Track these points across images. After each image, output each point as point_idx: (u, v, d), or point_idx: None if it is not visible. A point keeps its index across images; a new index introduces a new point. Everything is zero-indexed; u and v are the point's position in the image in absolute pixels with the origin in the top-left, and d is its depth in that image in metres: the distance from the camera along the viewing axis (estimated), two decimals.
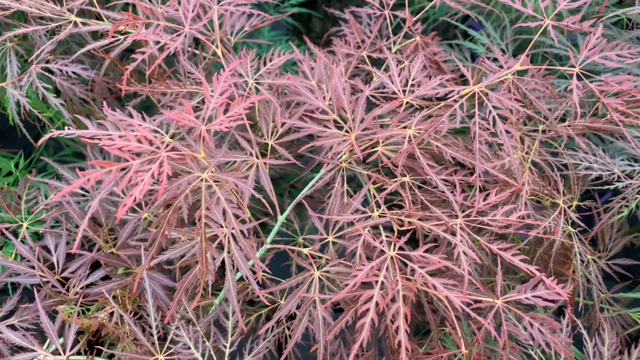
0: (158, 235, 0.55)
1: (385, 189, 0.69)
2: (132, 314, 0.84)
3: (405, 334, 0.53)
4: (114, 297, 0.87)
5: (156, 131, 0.59)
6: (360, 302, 0.57)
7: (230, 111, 0.56)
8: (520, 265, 0.60)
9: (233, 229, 0.55)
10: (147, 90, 0.74)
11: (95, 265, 0.90)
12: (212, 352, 0.69)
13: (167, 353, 0.72)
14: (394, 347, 0.53)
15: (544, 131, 0.86)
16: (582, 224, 0.80)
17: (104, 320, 0.80)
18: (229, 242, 0.58)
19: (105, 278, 0.88)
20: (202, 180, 0.55)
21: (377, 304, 0.56)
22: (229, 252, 0.62)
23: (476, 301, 0.59)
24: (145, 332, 0.75)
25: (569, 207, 0.82)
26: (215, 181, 0.56)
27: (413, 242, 0.73)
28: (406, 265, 0.60)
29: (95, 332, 0.84)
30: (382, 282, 0.58)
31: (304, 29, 1.56)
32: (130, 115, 0.61)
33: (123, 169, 0.52)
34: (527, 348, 0.71)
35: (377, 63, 1.04)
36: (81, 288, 0.86)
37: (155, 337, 0.74)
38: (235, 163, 0.69)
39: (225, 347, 0.70)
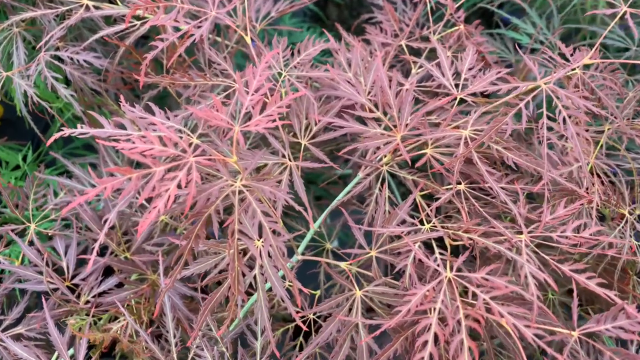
0: (185, 251, 0.48)
1: (435, 198, 0.61)
2: (147, 326, 0.78)
3: None
4: (127, 307, 0.81)
5: (180, 130, 0.51)
6: (416, 334, 0.49)
7: (268, 110, 0.48)
8: (597, 290, 0.52)
9: (270, 245, 0.47)
10: (166, 81, 0.66)
11: (108, 271, 0.83)
12: None
13: None
14: None
15: (594, 117, 0.77)
16: None
17: (118, 334, 0.73)
18: (261, 257, 0.51)
19: (120, 285, 0.81)
20: (234, 188, 0.47)
21: (435, 336, 0.48)
22: (261, 267, 0.55)
23: (548, 332, 0.51)
24: (163, 349, 0.69)
25: (633, 217, 0.74)
26: (248, 189, 0.48)
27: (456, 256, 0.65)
28: (465, 288, 0.52)
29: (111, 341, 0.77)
30: (440, 309, 0.50)
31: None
32: (151, 111, 0.54)
33: (145, 176, 0.44)
34: None
35: (416, 54, 0.96)
36: (93, 296, 0.79)
37: (174, 354, 0.67)
38: (267, 166, 0.62)
39: None
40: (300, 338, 0.77)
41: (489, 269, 0.52)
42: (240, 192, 0.47)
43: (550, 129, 0.58)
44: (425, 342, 0.48)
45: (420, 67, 0.82)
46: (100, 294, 0.80)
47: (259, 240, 0.48)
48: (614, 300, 0.52)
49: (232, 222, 0.47)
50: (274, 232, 0.48)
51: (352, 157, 0.70)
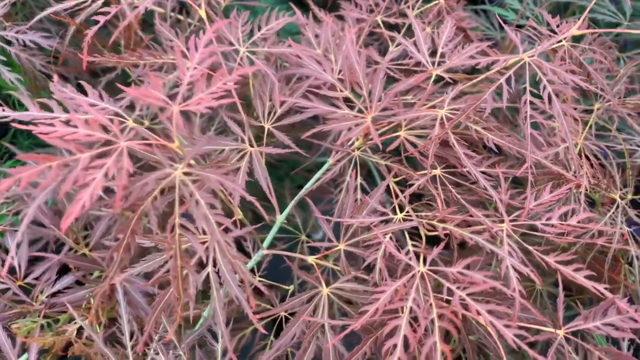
0: (119, 249, 0.42)
1: (409, 184, 0.55)
2: (106, 327, 0.72)
3: None
4: (86, 307, 0.75)
5: (119, 114, 0.45)
6: (384, 336, 0.44)
7: (213, 86, 0.42)
8: (585, 283, 0.47)
9: (217, 241, 0.41)
10: (114, 61, 0.60)
11: (66, 269, 0.77)
12: None
13: None
14: None
15: (584, 97, 0.72)
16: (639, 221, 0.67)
17: (72, 337, 0.67)
18: (215, 253, 0.45)
19: (81, 284, 0.76)
20: (174, 177, 0.42)
21: (405, 338, 0.43)
22: (215, 266, 0.49)
23: (532, 331, 0.46)
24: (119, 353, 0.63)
25: (625, 202, 0.69)
26: (193, 179, 0.42)
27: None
28: (439, 283, 0.47)
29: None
30: (411, 308, 0.45)
31: None
32: (85, 93, 0.47)
33: (67, 165, 0.38)
34: None
35: (395, 31, 0.90)
36: (47, 296, 0.74)
37: (131, 358, 0.62)
38: (224, 152, 0.56)
39: None
40: (272, 337, 0.72)
41: (465, 262, 0.47)
42: (185, 184, 0.41)
43: (535, 107, 0.52)
44: (394, 346, 0.42)
45: (399, 45, 0.76)
46: (56, 294, 0.74)
47: (216, 235, 0.43)
48: (603, 294, 0.47)
49: (173, 216, 0.41)
50: (223, 227, 0.42)
51: (323, 143, 0.64)
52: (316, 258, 0.58)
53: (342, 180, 0.61)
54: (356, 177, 0.61)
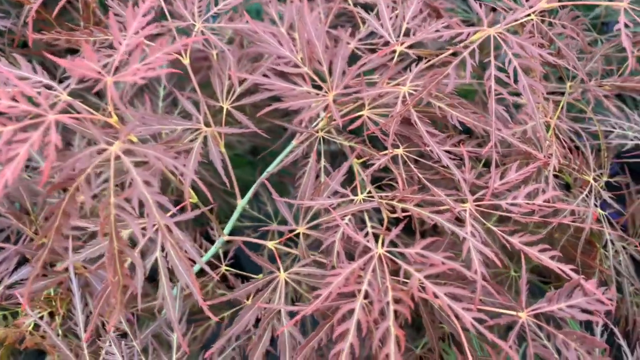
0: (49, 233, 0.39)
1: (369, 163, 0.53)
2: (64, 319, 0.69)
3: None
4: (47, 299, 0.72)
5: (51, 87, 0.42)
6: (335, 320, 0.42)
7: (151, 56, 0.39)
8: (551, 264, 0.45)
9: (155, 223, 0.39)
10: (63, 38, 0.57)
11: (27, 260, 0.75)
12: None
13: None
14: None
15: (559, 80, 0.69)
16: (616, 206, 0.65)
17: (27, 330, 0.64)
18: (163, 237, 0.42)
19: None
20: (109, 153, 0.39)
21: (358, 323, 0.40)
22: (162, 250, 0.47)
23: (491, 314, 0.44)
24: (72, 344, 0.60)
25: (599, 184, 0.67)
26: (132, 157, 0.40)
27: (410, 234, 0.57)
28: (399, 266, 0.45)
29: None
30: (367, 291, 0.42)
31: None
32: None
33: None
34: None
35: (368, 12, 0.87)
36: (4, 288, 0.71)
37: (86, 350, 0.59)
38: (176, 133, 0.53)
39: None
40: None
41: (425, 242, 0.45)
42: (118, 158, 0.39)
43: (504, 84, 0.50)
44: (346, 331, 0.40)
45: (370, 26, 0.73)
46: (14, 285, 0.71)
47: (154, 216, 0.40)
48: (569, 275, 0.45)
49: (108, 196, 0.39)
50: (172, 215, 0.39)
51: (288, 125, 0.62)
52: (276, 243, 0.55)
53: (305, 163, 0.59)
54: (318, 159, 0.58)
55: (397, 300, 0.42)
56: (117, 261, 0.40)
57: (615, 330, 0.60)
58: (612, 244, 0.68)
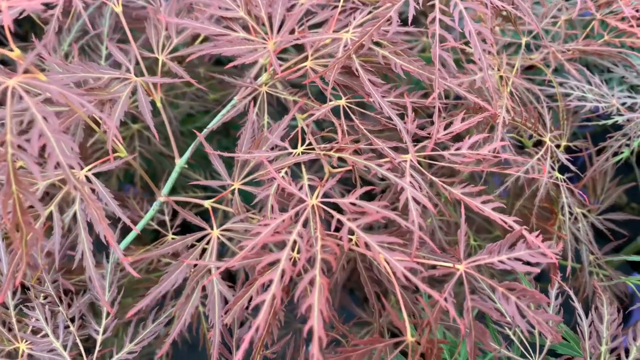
0: None
1: (309, 114, 0.50)
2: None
3: (320, 317, 0.35)
4: None
5: None
6: (257, 271, 0.39)
7: None
8: (493, 215, 0.43)
9: (57, 163, 0.35)
10: None
11: None
12: (78, 340, 0.50)
13: (27, 342, 0.54)
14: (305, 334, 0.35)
15: (526, 47, 0.67)
16: (573, 168, 0.63)
17: None
18: (67, 176, 0.39)
19: None
20: (7, 88, 0.35)
21: (283, 273, 0.38)
22: (82, 202, 0.43)
23: (430, 267, 0.42)
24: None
25: (557, 147, 0.65)
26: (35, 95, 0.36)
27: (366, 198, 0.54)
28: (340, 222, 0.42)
29: None
30: (295, 242, 0.39)
31: None
32: None
33: None
34: (505, 328, 0.55)
35: None
36: None
37: (13, 318, 0.55)
38: (102, 81, 0.49)
39: (97, 332, 0.51)
40: None
41: (361, 191, 0.42)
42: (15, 92, 0.35)
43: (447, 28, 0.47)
44: (270, 281, 0.37)
45: None
46: None
47: (55, 155, 0.36)
48: (512, 227, 0.43)
49: (4, 132, 0.35)
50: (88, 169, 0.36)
51: (228, 79, 0.58)
52: (213, 201, 0.52)
53: (247, 119, 0.56)
54: (262, 115, 0.55)
55: (325, 250, 0.39)
56: (20, 206, 0.36)
57: (571, 293, 0.58)
58: (570, 207, 0.66)
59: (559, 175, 0.65)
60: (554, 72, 0.70)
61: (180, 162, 0.57)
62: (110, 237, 0.39)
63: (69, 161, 0.36)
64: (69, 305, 0.54)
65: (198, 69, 0.76)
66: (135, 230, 0.51)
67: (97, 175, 0.46)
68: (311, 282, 0.37)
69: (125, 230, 0.55)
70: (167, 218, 0.70)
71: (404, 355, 0.42)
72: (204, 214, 0.55)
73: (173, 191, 0.82)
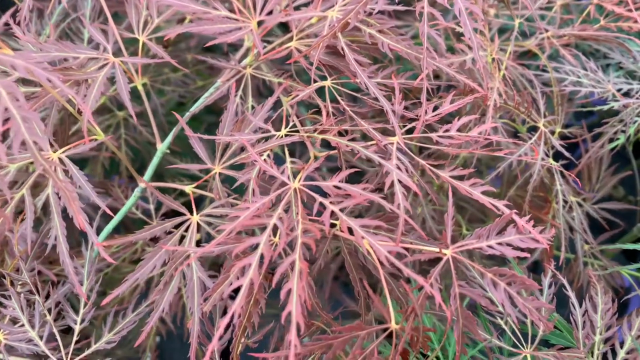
0: None
1: (294, 95, 0.48)
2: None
3: (299, 302, 0.33)
4: None
5: None
6: (234, 254, 0.37)
7: None
8: (482, 199, 0.41)
9: (23, 142, 0.34)
10: None
11: None
12: (54, 330, 0.49)
13: (5, 332, 0.52)
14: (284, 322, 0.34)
15: (522, 34, 0.65)
16: (567, 155, 0.62)
17: None
18: (32, 152, 0.37)
19: None
20: None
21: (262, 257, 0.36)
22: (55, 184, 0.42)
23: (416, 252, 0.40)
24: None
25: (552, 133, 0.63)
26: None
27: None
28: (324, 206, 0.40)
29: None
30: (276, 226, 0.38)
31: None
32: None
33: None
34: (497, 318, 0.53)
35: None
36: None
37: None
38: (78, 60, 0.48)
39: (75, 322, 0.50)
40: None
41: (345, 173, 0.40)
42: None
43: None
44: (249, 265, 0.36)
45: None
46: None
47: (21, 133, 0.34)
48: (502, 211, 0.41)
49: None
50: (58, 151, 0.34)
51: (212, 60, 0.56)
52: (193, 186, 0.51)
53: (230, 101, 0.54)
54: (247, 97, 0.53)
55: (305, 234, 0.37)
56: None
57: (565, 281, 0.56)
58: (564, 195, 0.65)
59: (553, 162, 0.63)
60: (549, 59, 0.69)
61: (161, 147, 0.55)
62: (81, 220, 0.38)
63: (37, 139, 0.34)
64: (48, 295, 0.53)
65: (185, 54, 0.74)
66: (113, 217, 0.49)
67: (81, 163, 0.45)
68: (292, 267, 0.35)
69: (110, 220, 0.53)
70: (152, 207, 0.68)
71: (392, 343, 0.41)
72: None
73: (161, 180, 0.80)
